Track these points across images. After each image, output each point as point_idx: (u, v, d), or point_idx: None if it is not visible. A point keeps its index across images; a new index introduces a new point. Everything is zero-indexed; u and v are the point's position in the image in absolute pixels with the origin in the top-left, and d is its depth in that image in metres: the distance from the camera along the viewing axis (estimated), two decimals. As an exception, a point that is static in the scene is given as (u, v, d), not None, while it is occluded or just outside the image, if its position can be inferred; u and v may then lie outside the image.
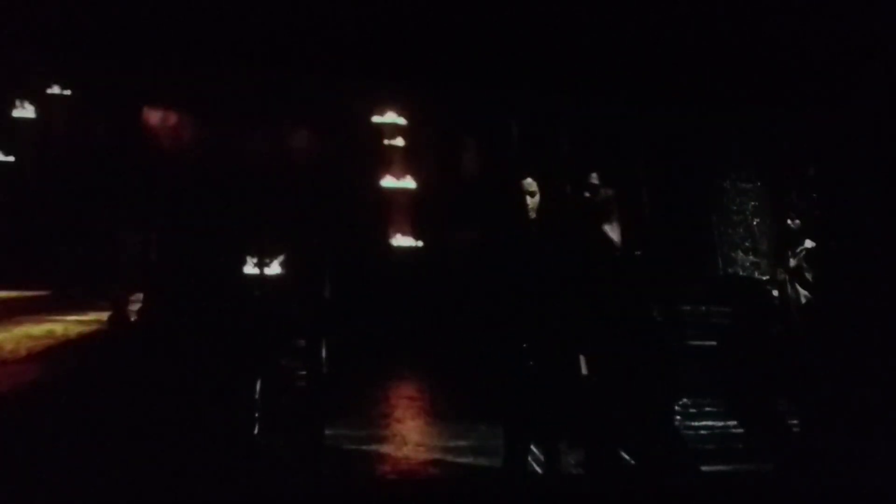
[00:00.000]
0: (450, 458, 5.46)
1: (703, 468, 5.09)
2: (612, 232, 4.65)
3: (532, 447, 4.84)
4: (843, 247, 5.46)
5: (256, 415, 5.51)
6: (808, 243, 5.73)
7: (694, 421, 5.45)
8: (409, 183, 7.11)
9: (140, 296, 6.03)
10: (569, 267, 4.77)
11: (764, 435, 5.42)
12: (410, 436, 5.90)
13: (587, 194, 4.76)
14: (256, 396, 5.58)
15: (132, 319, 5.97)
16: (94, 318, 6.44)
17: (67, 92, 6.64)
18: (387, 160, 7.13)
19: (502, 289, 4.70)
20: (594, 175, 4.71)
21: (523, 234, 4.74)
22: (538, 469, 4.82)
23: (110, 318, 6.02)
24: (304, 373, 6.00)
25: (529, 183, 4.73)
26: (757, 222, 6.23)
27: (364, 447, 5.61)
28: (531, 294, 4.61)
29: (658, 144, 5.70)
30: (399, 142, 7.11)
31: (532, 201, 4.72)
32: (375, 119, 7.05)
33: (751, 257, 6.16)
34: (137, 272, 6.47)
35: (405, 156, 7.12)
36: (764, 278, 6.08)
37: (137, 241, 6.64)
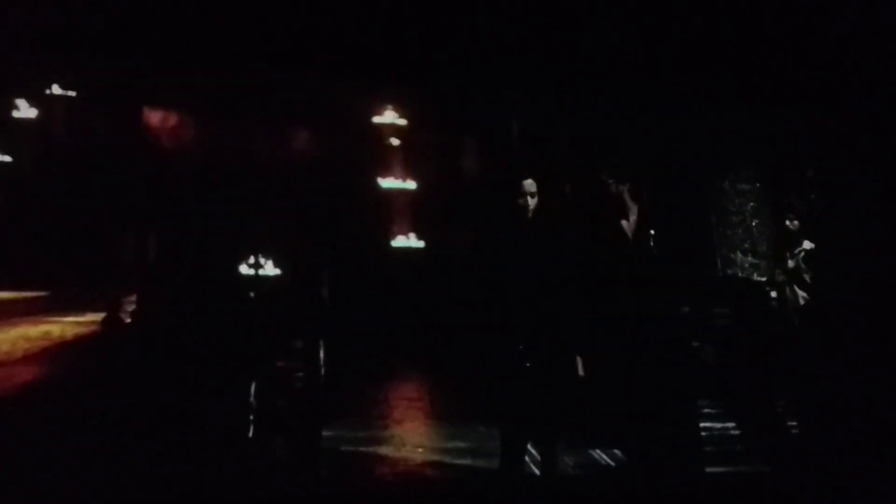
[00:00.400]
0: (448, 459, 5.45)
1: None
2: (628, 229, 4.65)
3: (530, 448, 4.83)
4: (841, 248, 5.47)
5: (251, 417, 5.49)
6: (807, 244, 5.74)
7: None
8: (409, 184, 7.09)
9: (135, 297, 6.01)
10: (566, 268, 4.77)
11: (762, 436, 5.41)
12: (409, 437, 5.89)
13: (601, 190, 4.76)
14: (251, 399, 5.55)
15: (126, 321, 5.94)
16: (92, 320, 6.40)
17: (67, 92, 6.62)
18: (387, 161, 7.12)
19: (499, 290, 4.69)
20: (604, 173, 4.70)
21: (521, 235, 4.73)
22: (536, 470, 4.81)
23: (104, 319, 5.99)
24: (301, 374, 5.99)
25: (530, 184, 4.71)
26: (756, 223, 6.25)
27: (362, 448, 5.60)
28: (528, 295, 4.61)
29: (657, 145, 5.71)
30: (399, 142, 7.10)
31: (532, 202, 4.70)
32: (375, 119, 7.04)
33: (750, 258, 6.17)
34: (134, 273, 6.45)
35: (405, 156, 7.10)
36: (763, 280, 6.10)
37: (135, 242, 6.62)
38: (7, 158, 6.72)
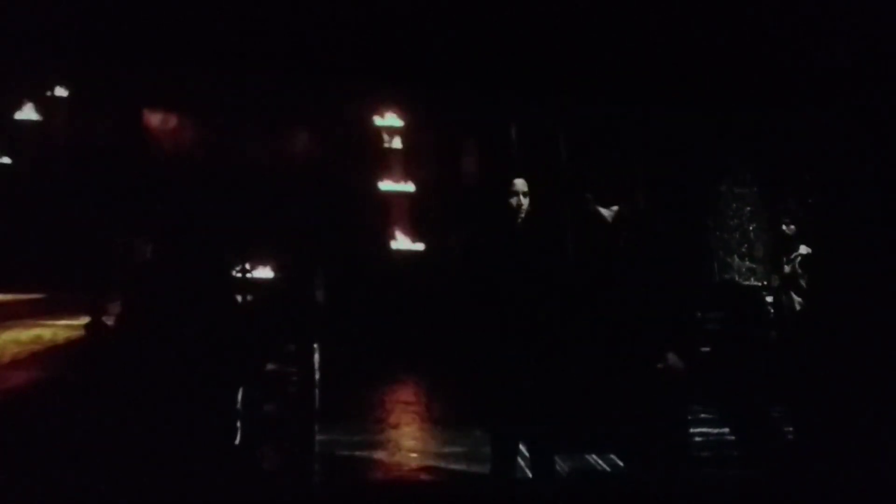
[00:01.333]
0: (444, 464, 5.41)
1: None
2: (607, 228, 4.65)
3: (523, 451, 4.79)
4: (837, 253, 5.46)
5: (244, 421, 5.44)
6: (803, 249, 5.74)
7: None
8: (408, 186, 7.11)
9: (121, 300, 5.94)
10: (559, 270, 4.76)
11: (758, 442, 5.39)
12: (404, 441, 5.85)
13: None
14: (244, 403, 5.51)
15: (110, 325, 5.86)
16: (85, 323, 6.37)
17: (66, 93, 6.65)
18: (385, 163, 7.14)
19: (492, 291, 4.67)
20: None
21: (513, 236, 4.72)
22: (529, 474, 4.77)
23: (87, 324, 5.89)
24: (295, 378, 5.96)
25: (521, 183, 4.67)
26: (753, 227, 6.26)
27: (357, 453, 5.56)
28: (520, 297, 4.58)
29: (655, 148, 5.73)
30: (398, 144, 7.12)
31: (525, 201, 4.67)
32: (374, 121, 7.07)
33: (747, 262, 6.18)
34: (124, 275, 6.40)
35: (404, 159, 7.12)
36: (760, 284, 6.10)
37: (131, 244, 6.60)
38: (6, 160, 6.75)
